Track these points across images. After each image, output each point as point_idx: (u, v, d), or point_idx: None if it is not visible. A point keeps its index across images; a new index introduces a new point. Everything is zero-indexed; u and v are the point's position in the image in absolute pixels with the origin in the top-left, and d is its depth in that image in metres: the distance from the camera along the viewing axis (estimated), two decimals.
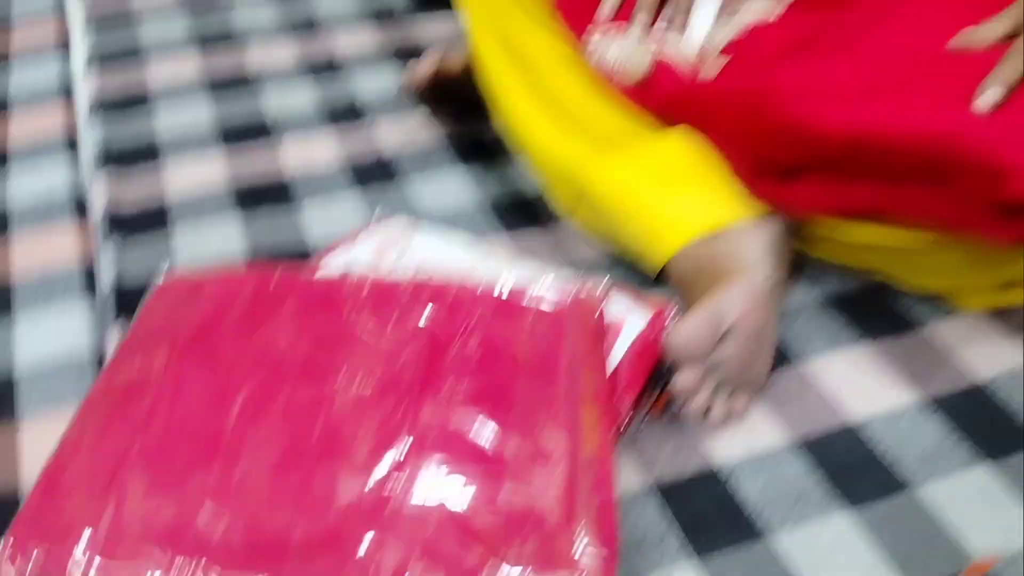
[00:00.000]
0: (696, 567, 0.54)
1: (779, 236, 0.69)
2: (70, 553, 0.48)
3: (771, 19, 0.71)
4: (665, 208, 0.70)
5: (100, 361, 0.67)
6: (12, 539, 0.50)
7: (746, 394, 0.63)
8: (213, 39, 1.12)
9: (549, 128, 0.77)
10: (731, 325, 0.59)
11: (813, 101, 0.63)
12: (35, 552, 0.49)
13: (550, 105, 0.78)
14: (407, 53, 1.08)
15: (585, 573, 0.47)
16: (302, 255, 0.78)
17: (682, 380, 0.58)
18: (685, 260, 0.67)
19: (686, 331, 0.57)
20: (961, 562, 0.54)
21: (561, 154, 0.76)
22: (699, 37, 0.73)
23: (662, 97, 0.73)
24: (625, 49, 0.74)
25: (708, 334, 0.58)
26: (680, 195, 0.70)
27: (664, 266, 0.69)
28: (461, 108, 0.94)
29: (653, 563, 0.54)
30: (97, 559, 0.48)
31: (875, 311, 0.72)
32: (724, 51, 0.72)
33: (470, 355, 0.59)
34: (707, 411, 0.61)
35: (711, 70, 0.71)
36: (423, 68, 0.92)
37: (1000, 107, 0.56)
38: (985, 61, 0.58)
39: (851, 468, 0.60)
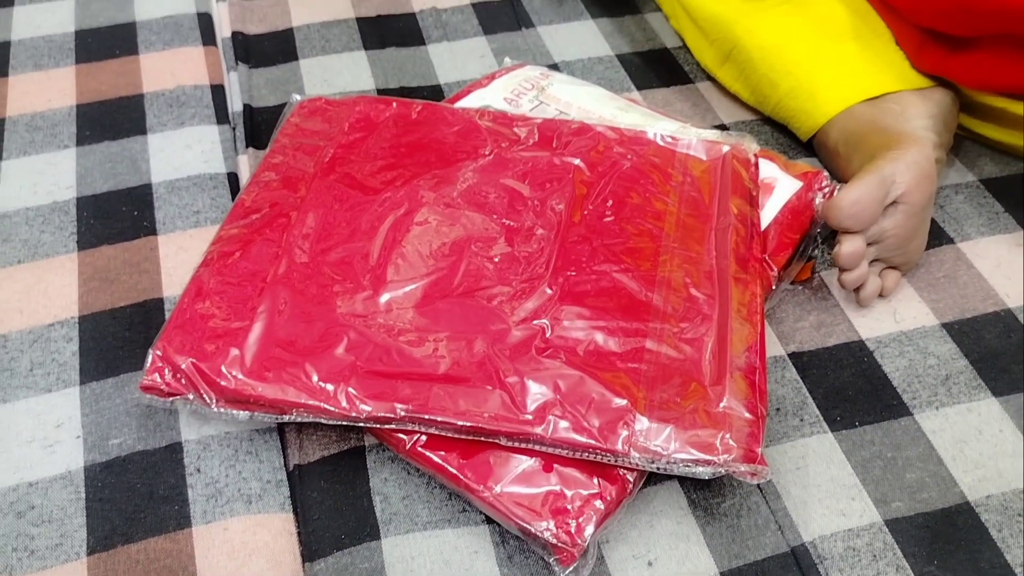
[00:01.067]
0: (835, 438, 0.53)
1: (944, 108, 0.64)
2: (217, 367, 0.49)
3: None
4: (826, 66, 0.65)
5: (233, 183, 0.66)
6: (163, 346, 0.50)
7: (898, 271, 0.60)
8: None
9: None
10: (899, 195, 0.55)
11: None
12: (186, 360, 0.49)
13: None
14: None
15: (730, 435, 0.46)
16: (431, 95, 0.75)
17: (846, 249, 0.55)
18: (845, 123, 0.63)
19: (853, 195, 0.54)
20: None
21: (714, 6, 0.71)
22: None
23: None
24: None
25: (876, 201, 0.54)
26: (843, 55, 0.66)
27: (818, 129, 0.65)
28: None
29: (791, 431, 0.53)
30: (242, 376, 0.49)
31: None
32: None
33: (615, 202, 0.57)
34: (860, 286, 0.58)
35: None
36: None
37: None
38: None
39: (1002, 354, 0.57)
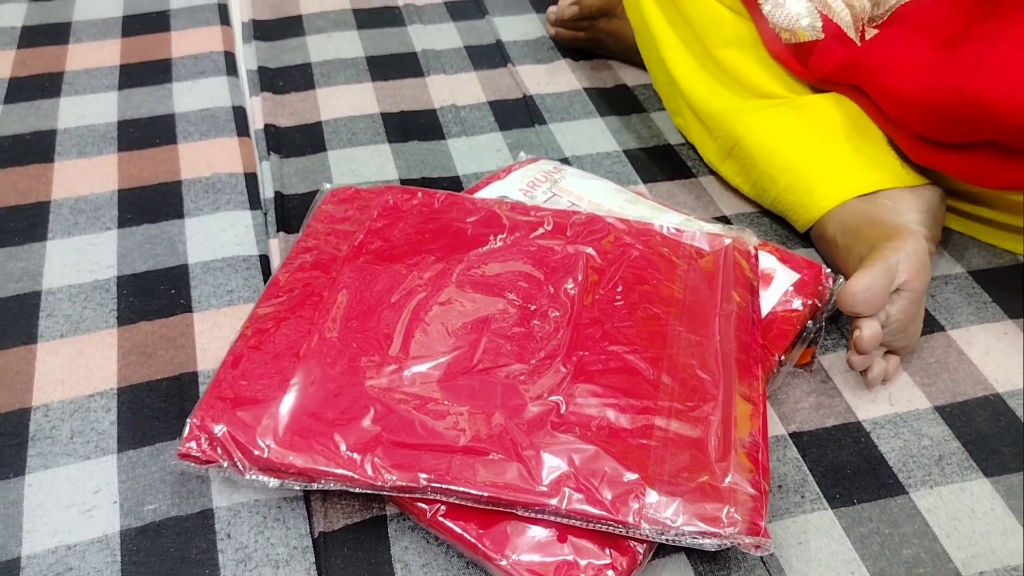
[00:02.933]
0: (835, 514, 0.55)
1: (934, 204, 0.69)
2: (252, 436, 0.52)
3: None
4: (822, 164, 0.70)
5: (265, 265, 0.71)
6: (200, 415, 0.53)
7: (898, 356, 0.63)
8: None
9: (706, 79, 0.78)
10: (902, 283, 0.59)
11: (993, 82, 0.61)
12: (221, 429, 0.52)
13: (707, 58, 0.79)
14: (547, 1, 1.10)
15: (735, 510, 0.49)
16: (451, 186, 0.80)
17: (867, 332, 0.59)
18: (842, 216, 0.68)
19: (865, 282, 0.58)
20: None
21: (717, 104, 0.77)
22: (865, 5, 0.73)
23: (828, 60, 0.72)
24: (796, 9, 0.74)
25: (884, 287, 0.59)
26: (838, 154, 0.71)
27: (815, 222, 0.70)
28: (591, 45, 0.97)
29: (792, 507, 0.56)
30: (275, 445, 0.52)
31: (1019, 290, 0.71)
32: (880, 24, 0.71)
33: (625, 287, 0.61)
34: (867, 369, 0.61)
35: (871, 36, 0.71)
36: (567, 1, 0.94)
37: None
38: None
39: (991, 437, 0.60)
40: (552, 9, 0.96)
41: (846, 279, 0.67)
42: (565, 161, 0.84)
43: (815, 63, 0.73)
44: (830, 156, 0.71)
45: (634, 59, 0.93)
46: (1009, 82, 0.60)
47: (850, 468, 0.58)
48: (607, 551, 0.49)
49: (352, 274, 0.61)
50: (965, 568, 0.53)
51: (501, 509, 0.50)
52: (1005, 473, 0.58)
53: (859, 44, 0.71)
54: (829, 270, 0.68)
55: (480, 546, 0.50)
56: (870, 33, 0.72)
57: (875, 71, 0.69)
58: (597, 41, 0.97)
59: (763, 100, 0.76)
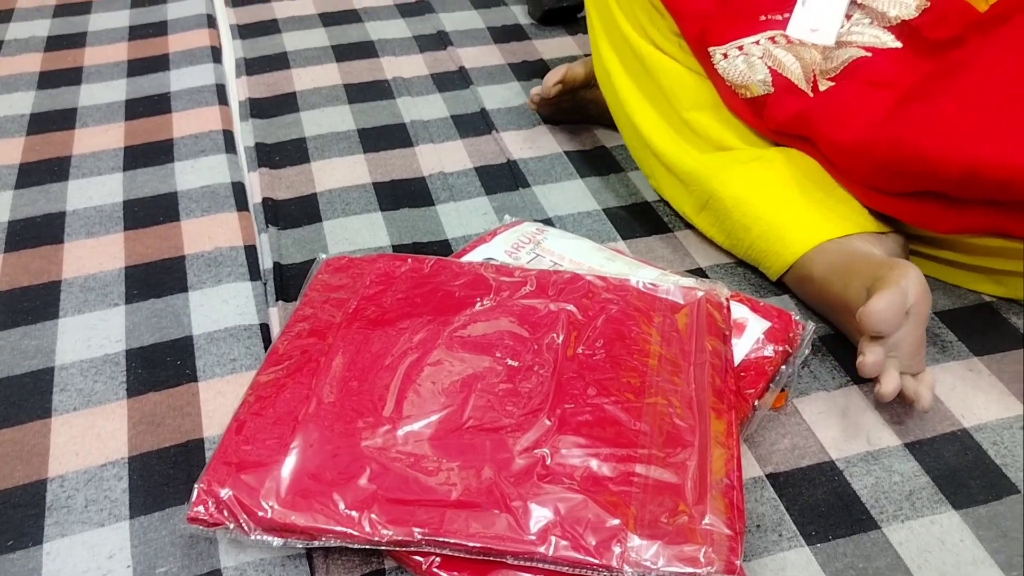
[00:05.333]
0: (811, 551, 0.58)
1: (899, 251, 0.73)
2: (256, 498, 0.55)
3: (876, 50, 0.75)
4: (793, 212, 0.75)
5: (265, 333, 0.74)
6: (207, 480, 0.57)
7: (927, 380, 0.65)
8: (350, 49, 1.21)
9: (678, 140, 0.83)
10: (912, 304, 0.63)
11: (930, 136, 0.66)
12: (227, 493, 0.56)
13: (678, 121, 0.84)
14: (529, 69, 1.16)
15: (712, 550, 0.52)
16: (441, 250, 0.85)
17: (870, 361, 0.61)
18: (824, 258, 0.72)
19: (884, 303, 0.61)
20: None
21: (691, 163, 0.81)
22: (815, 59, 0.77)
23: (781, 112, 0.77)
24: (745, 65, 0.79)
25: (901, 308, 0.62)
26: (808, 202, 0.75)
27: (787, 268, 0.74)
28: (574, 113, 1.02)
29: (771, 545, 0.59)
30: (278, 506, 0.55)
31: (985, 329, 0.75)
32: (835, 76, 0.76)
33: (605, 341, 0.65)
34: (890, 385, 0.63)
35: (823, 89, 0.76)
36: (551, 78, 0.98)
37: None
38: None
39: (960, 471, 0.63)
40: (535, 91, 1.00)
41: (835, 317, 0.71)
42: (548, 222, 0.89)
43: (769, 115, 0.78)
44: (800, 205, 0.75)
45: (614, 124, 0.98)
46: (946, 137, 0.65)
47: (825, 506, 0.61)
48: None
49: (347, 340, 0.65)
50: None
51: (493, 559, 0.53)
52: (973, 505, 0.61)
53: (812, 96, 0.76)
54: (799, 317, 0.71)
55: None
56: (824, 85, 0.76)
57: (822, 123, 0.74)
58: (579, 109, 1.02)
59: (733, 155, 0.80)
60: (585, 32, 1.25)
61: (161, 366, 0.72)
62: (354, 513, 0.54)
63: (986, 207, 0.66)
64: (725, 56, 0.80)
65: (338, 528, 0.54)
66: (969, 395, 0.69)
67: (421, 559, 0.54)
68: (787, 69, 0.77)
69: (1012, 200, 0.64)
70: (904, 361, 0.64)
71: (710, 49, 0.81)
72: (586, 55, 1.19)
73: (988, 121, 0.64)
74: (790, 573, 0.57)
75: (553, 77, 0.98)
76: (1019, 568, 0.57)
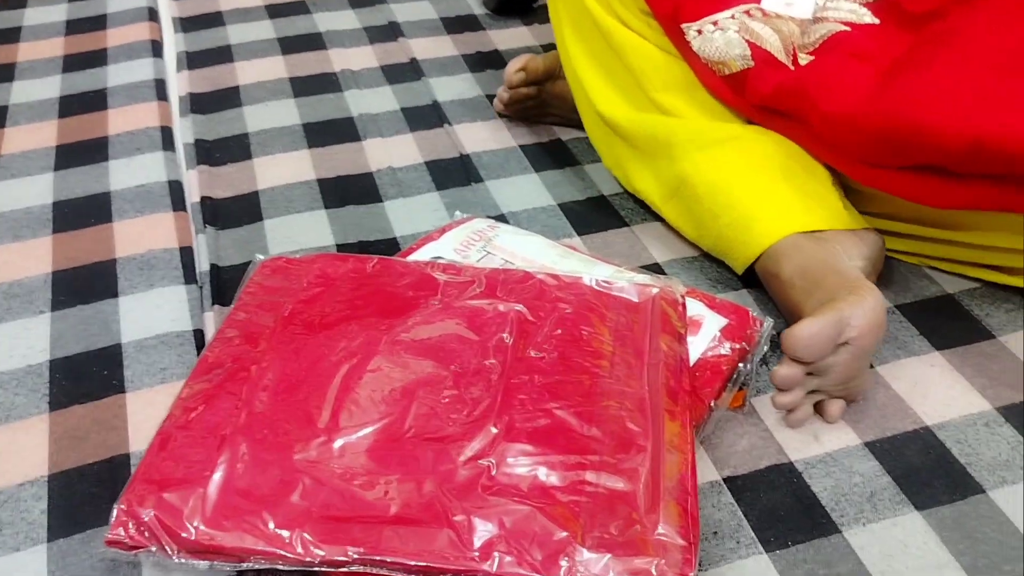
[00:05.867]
0: (770, 559, 0.56)
1: (876, 251, 0.71)
2: (179, 518, 0.52)
3: (854, 25, 0.72)
4: (765, 201, 0.71)
5: (199, 340, 0.71)
6: (127, 500, 0.53)
7: (841, 402, 0.64)
8: (297, 41, 1.17)
9: (647, 120, 0.79)
10: (851, 337, 0.60)
11: (931, 106, 0.63)
12: (149, 514, 0.52)
13: (647, 106, 0.81)
14: (483, 60, 1.13)
15: (664, 561, 0.49)
16: (388, 249, 0.81)
17: (783, 372, 0.59)
18: (792, 255, 0.68)
19: (812, 330, 0.59)
20: None
21: (660, 140, 0.78)
22: (794, 30, 0.74)
23: (764, 85, 0.74)
24: (722, 40, 0.76)
25: (830, 338, 0.59)
26: (781, 191, 0.72)
27: (755, 259, 0.71)
28: (540, 111, 0.98)
29: (728, 553, 0.56)
30: (203, 527, 0.51)
31: (948, 321, 0.73)
32: (813, 51, 0.73)
33: (556, 343, 0.62)
34: (792, 409, 0.62)
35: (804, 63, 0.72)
36: (513, 65, 0.94)
37: None
38: None
39: (922, 470, 0.61)
40: (501, 92, 0.97)
41: (793, 321, 0.68)
42: (501, 218, 0.86)
43: (751, 90, 0.74)
44: (772, 193, 0.71)
45: (580, 121, 0.94)
46: (943, 108, 0.62)
47: (783, 510, 0.59)
48: None
49: (281, 346, 0.62)
50: None
51: None
52: (936, 506, 0.59)
53: (792, 68, 0.73)
54: (757, 313, 0.69)
55: None
56: (805, 59, 0.73)
57: (812, 95, 0.70)
58: (544, 107, 0.98)
59: (707, 132, 0.77)
60: (542, 22, 1.22)
61: (87, 377, 0.67)
62: (285, 532, 0.51)
63: (986, 181, 0.63)
64: (700, 33, 0.77)
65: (268, 549, 0.50)
66: (931, 392, 0.67)
67: None
68: (766, 42, 0.74)
69: (1015, 173, 0.61)
70: (828, 385, 0.62)
71: (683, 26, 0.78)
72: (543, 47, 1.16)
73: (990, 91, 0.61)
74: None
75: (515, 65, 0.94)
76: (984, 571, 0.55)
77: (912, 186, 0.67)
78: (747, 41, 0.74)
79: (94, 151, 0.94)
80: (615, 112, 0.82)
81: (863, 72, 0.67)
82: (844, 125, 0.68)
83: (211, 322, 0.72)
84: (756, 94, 0.74)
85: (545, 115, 0.99)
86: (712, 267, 0.79)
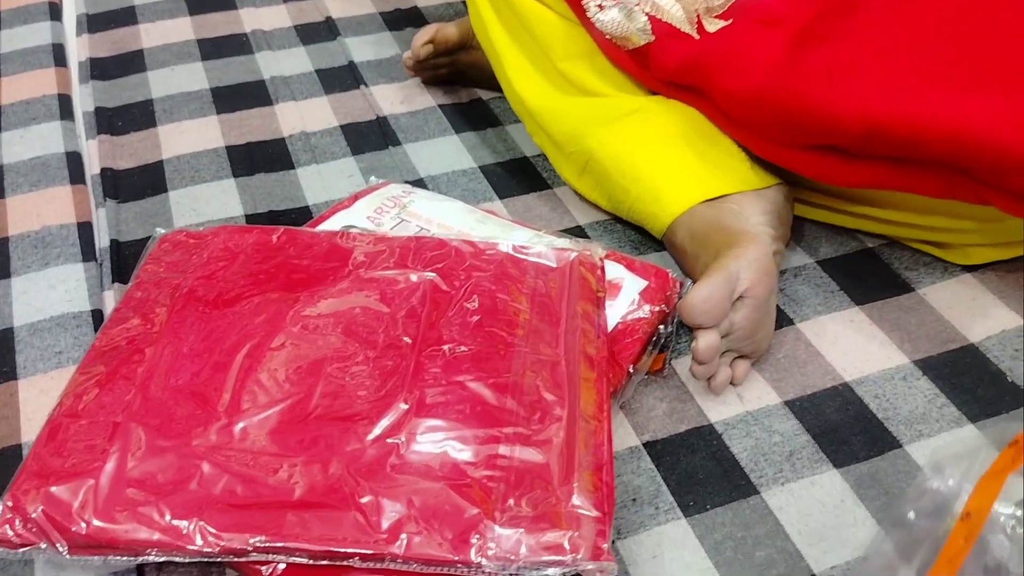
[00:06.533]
0: (688, 523, 0.55)
1: (780, 205, 0.70)
2: (69, 513, 0.49)
3: None
4: (669, 172, 0.70)
5: (98, 321, 0.67)
6: (14, 495, 0.50)
7: (747, 361, 0.64)
8: (205, 0, 1.11)
9: (555, 95, 0.78)
10: (744, 290, 0.59)
11: (830, 88, 0.62)
12: (36, 509, 0.49)
13: (555, 73, 0.78)
14: (402, 18, 1.08)
15: (578, 534, 0.48)
16: (300, 218, 0.78)
17: (703, 343, 0.58)
18: (690, 223, 0.68)
19: (703, 294, 0.58)
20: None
21: (568, 122, 0.76)
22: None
23: (668, 60, 0.72)
24: (622, 15, 0.74)
25: (724, 297, 0.58)
26: (685, 160, 0.71)
27: (665, 231, 0.70)
28: (454, 78, 0.95)
29: (647, 520, 0.55)
30: (95, 520, 0.48)
31: (868, 276, 0.73)
32: (721, 14, 0.71)
33: (470, 312, 0.60)
34: (711, 376, 0.61)
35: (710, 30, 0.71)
36: (420, 37, 0.91)
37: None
38: (989, 37, 0.58)
39: (841, 427, 0.61)
40: (407, 55, 0.93)
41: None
42: (420, 182, 0.83)
43: (655, 64, 0.73)
44: (677, 163, 0.71)
45: (498, 87, 0.91)
46: (841, 91, 0.61)
47: (703, 473, 0.58)
48: None
49: (179, 325, 0.58)
50: (817, 564, 0.53)
51: (340, 563, 0.48)
52: (855, 463, 0.59)
53: (698, 38, 0.71)
54: (677, 275, 0.68)
55: None
56: (713, 25, 0.71)
57: (715, 71, 0.68)
58: (459, 74, 0.95)
59: (611, 107, 0.75)
60: None
61: None
62: (182, 523, 0.48)
63: (887, 163, 0.63)
64: (601, 7, 0.74)
65: (164, 540, 0.48)
66: (851, 347, 0.67)
67: (263, 568, 0.49)
68: (667, 13, 0.72)
69: (915, 157, 0.60)
70: (736, 344, 0.61)
71: (584, 1, 0.75)
72: (464, 2, 1.12)
73: (888, 74, 0.60)
74: (667, 549, 0.54)
75: (422, 37, 0.91)
76: (902, 526, 0.55)
77: (812, 164, 0.67)
78: (647, 14, 0.72)
79: None
80: (525, 85, 0.79)
81: (769, 41, 0.65)
82: (744, 104, 0.67)
83: (110, 301, 0.68)
84: (661, 69, 0.72)
85: (461, 81, 0.96)
86: (634, 229, 0.77)
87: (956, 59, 0.58)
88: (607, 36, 0.75)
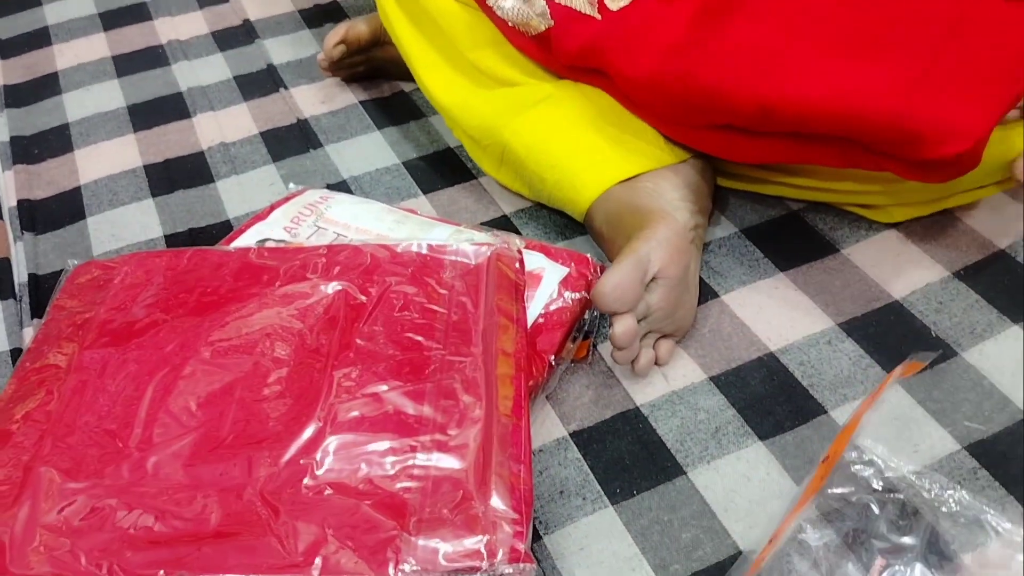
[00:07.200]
0: (615, 510, 0.55)
1: (696, 179, 0.69)
2: None
3: None
4: (583, 156, 0.70)
5: (16, 357, 0.66)
6: None
7: (671, 340, 0.63)
8: (120, 14, 1.09)
9: (467, 87, 0.77)
10: (656, 272, 0.59)
11: (722, 71, 0.61)
12: None
13: (466, 64, 0.77)
14: (321, 15, 1.07)
15: (495, 538, 0.48)
16: (220, 233, 0.77)
17: (619, 328, 0.58)
18: (605, 206, 0.67)
19: (614, 280, 0.57)
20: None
21: (481, 116, 0.75)
22: None
23: (569, 44, 0.71)
24: (521, 0, 0.73)
25: (635, 281, 0.58)
26: (597, 143, 0.70)
27: (585, 215, 0.70)
28: (374, 74, 0.94)
29: (574, 512, 0.55)
30: (11, 569, 0.48)
31: (792, 240, 0.72)
32: None
33: (385, 320, 0.59)
34: (634, 360, 0.61)
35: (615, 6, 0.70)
36: (331, 39, 0.89)
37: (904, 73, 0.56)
38: (877, 8, 0.58)
39: (766, 399, 0.61)
40: (321, 56, 0.92)
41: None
42: (343, 184, 0.82)
43: (557, 49, 0.72)
44: (589, 148, 0.70)
45: None
46: (738, 72, 0.60)
47: (630, 458, 0.58)
48: None
49: (89, 361, 0.58)
50: (742, 541, 0.53)
51: None
52: (780, 433, 0.59)
53: (600, 19, 0.70)
54: (596, 260, 0.67)
55: None
56: (616, 3, 0.70)
57: (614, 56, 0.68)
58: (378, 70, 0.94)
59: (521, 96, 0.74)
60: None
61: None
62: (98, 566, 0.48)
63: (786, 138, 0.63)
64: None
65: None
66: (775, 316, 0.66)
67: None
68: None
69: (810, 132, 0.60)
70: (657, 324, 0.61)
71: None
72: None
73: (780, 54, 0.59)
74: (594, 539, 0.54)
75: (333, 38, 0.89)
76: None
77: (715, 143, 0.67)
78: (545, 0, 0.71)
79: None
80: (435, 80, 0.78)
81: (668, 21, 0.64)
82: (642, 88, 0.66)
83: (29, 338, 0.67)
84: (563, 54, 0.71)
85: (381, 77, 0.95)
86: (560, 215, 0.76)
87: (847, 31, 0.58)
88: (509, 23, 0.74)
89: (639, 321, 0.60)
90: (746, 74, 0.59)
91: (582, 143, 0.71)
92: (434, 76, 0.78)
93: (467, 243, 0.67)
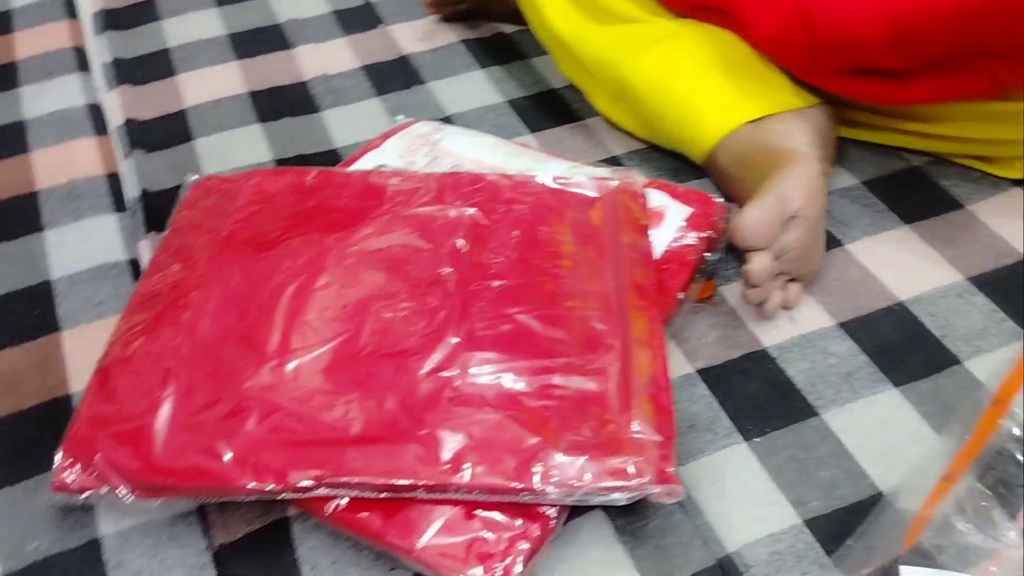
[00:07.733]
0: (749, 447, 0.54)
1: (824, 125, 0.68)
2: (127, 458, 0.48)
3: None
4: (709, 95, 0.68)
5: (135, 270, 0.66)
6: (70, 442, 0.50)
7: (800, 284, 0.62)
8: None
9: (586, 23, 0.75)
10: (795, 211, 0.58)
11: (843, 6, 0.60)
12: (95, 455, 0.49)
13: (585, 3, 0.76)
14: None
15: (642, 460, 0.48)
16: (329, 161, 0.76)
17: (756, 266, 0.56)
18: (733, 146, 0.66)
19: (755, 215, 0.56)
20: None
21: (599, 49, 0.74)
22: None
23: None
24: None
25: (775, 218, 0.57)
26: (724, 83, 0.69)
27: (707, 155, 0.68)
28: (474, 15, 0.93)
29: (705, 446, 0.55)
30: (154, 464, 0.48)
31: (916, 194, 0.71)
32: None
33: (513, 246, 0.59)
34: (764, 301, 0.60)
35: None
36: None
37: None
38: None
39: (898, 346, 0.60)
40: None
41: (742, 208, 0.66)
42: (447, 120, 0.81)
43: None
44: (716, 87, 0.68)
45: (521, 20, 0.88)
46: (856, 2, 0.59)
47: (760, 398, 0.57)
48: (518, 521, 0.47)
49: (221, 269, 0.57)
50: (882, 482, 0.52)
51: (403, 496, 0.47)
52: (914, 381, 0.58)
53: None
54: (722, 200, 0.66)
55: (385, 537, 0.47)
56: None
57: (733, 5, 0.67)
58: (480, 9, 0.93)
59: (642, 33, 0.73)
60: None
61: (16, 317, 0.63)
62: (240, 464, 0.48)
63: (929, 76, 0.61)
64: None
65: (225, 481, 0.47)
66: (903, 267, 0.65)
67: (324, 504, 0.48)
68: None
69: (946, 53, 0.58)
70: (789, 266, 0.60)
71: None
72: None
73: None
74: (728, 472, 0.53)
75: None
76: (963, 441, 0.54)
77: (859, 87, 0.65)
78: None
79: (3, 78, 0.87)
80: (559, 21, 0.76)
81: None
82: (765, 39, 0.65)
83: (146, 250, 0.67)
84: None
85: (481, 16, 0.93)
86: (672, 155, 0.75)
87: None
88: None
89: (776, 261, 0.58)
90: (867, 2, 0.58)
91: (707, 81, 0.69)
92: (553, 8, 0.77)
93: (588, 177, 0.65)
